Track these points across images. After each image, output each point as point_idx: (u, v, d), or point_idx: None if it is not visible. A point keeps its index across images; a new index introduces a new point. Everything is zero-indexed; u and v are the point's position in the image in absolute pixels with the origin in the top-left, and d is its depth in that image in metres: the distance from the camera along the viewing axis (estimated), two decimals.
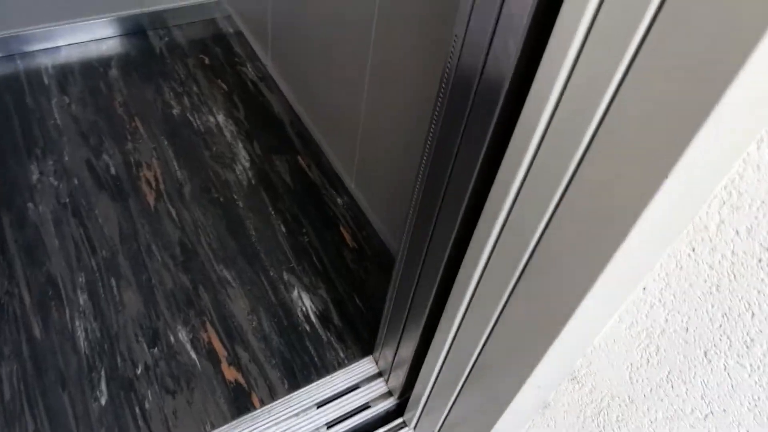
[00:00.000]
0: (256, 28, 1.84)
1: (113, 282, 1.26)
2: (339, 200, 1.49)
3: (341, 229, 1.43)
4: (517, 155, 0.55)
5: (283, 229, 1.41)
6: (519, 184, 0.57)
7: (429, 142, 0.72)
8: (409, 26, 1.00)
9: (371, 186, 1.38)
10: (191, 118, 1.65)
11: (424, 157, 0.74)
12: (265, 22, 1.71)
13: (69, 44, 1.82)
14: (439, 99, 0.65)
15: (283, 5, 1.55)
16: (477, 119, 0.59)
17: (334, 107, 1.43)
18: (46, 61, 1.76)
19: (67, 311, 1.20)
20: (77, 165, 1.48)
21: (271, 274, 1.31)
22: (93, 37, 1.84)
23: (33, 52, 1.77)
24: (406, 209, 1.22)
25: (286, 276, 1.31)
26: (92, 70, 1.75)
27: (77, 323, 1.18)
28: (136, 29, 1.90)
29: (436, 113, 0.67)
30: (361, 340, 1.23)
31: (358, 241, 1.41)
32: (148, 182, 1.47)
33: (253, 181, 1.51)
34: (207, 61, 1.85)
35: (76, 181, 1.45)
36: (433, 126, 0.69)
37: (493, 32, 0.52)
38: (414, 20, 0.98)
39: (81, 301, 1.22)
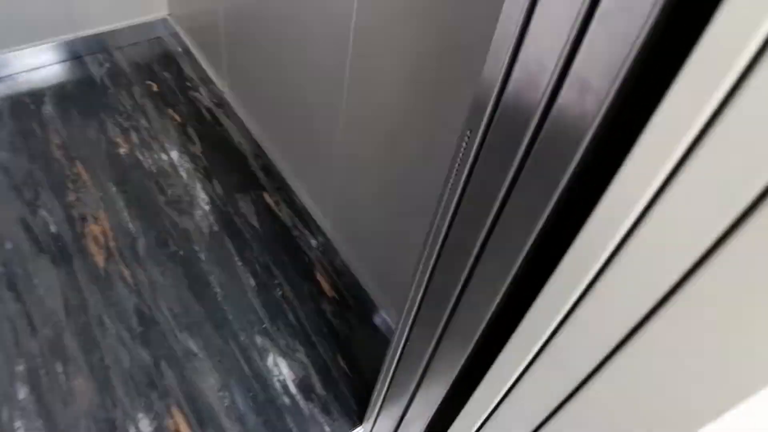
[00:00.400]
0: (207, 47, 1.68)
1: (59, 367, 1.11)
2: (313, 242, 1.35)
3: (318, 276, 1.29)
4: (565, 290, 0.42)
5: (253, 283, 1.26)
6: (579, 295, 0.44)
7: (437, 229, 0.58)
8: (394, 35, 0.86)
9: (350, 225, 1.24)
10: (141, 158, 1.49)
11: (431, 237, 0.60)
12: (218, 40, 1.55)
13: None
14: (446, 201, 0.52)
15: (237, 19, 1.39)
16: (507, 230, 0.46)
17: (303, 136, 1.29)
18: None
19: (5, 412, 1.05)
20: (10, 226, 1.31)
21: (242, 339, 1.17)
22: (21, 68, 1.66)
23: None
24: (392, 253, 1.09)
25: (259, 340, 1.17)
26: (23, 108, 1.57)
27: (17, 425, 1.03)
28: (71, 56, 1.71)
29: (444, 205, 0.54)
30: (349, 410, 1.10)
31: (337, 289, 1.27)
32: (96, 239, 1.31)
33: (215, 228, 1.36)
34: (155, 88, 1.68)
35: (9, 246, 1.28)
36: (441, 217, 0.56)
37: (530, 147, 0.38)
38: (397, 29, 0.84)
39: (21, 396, 1.06)
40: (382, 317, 1.19)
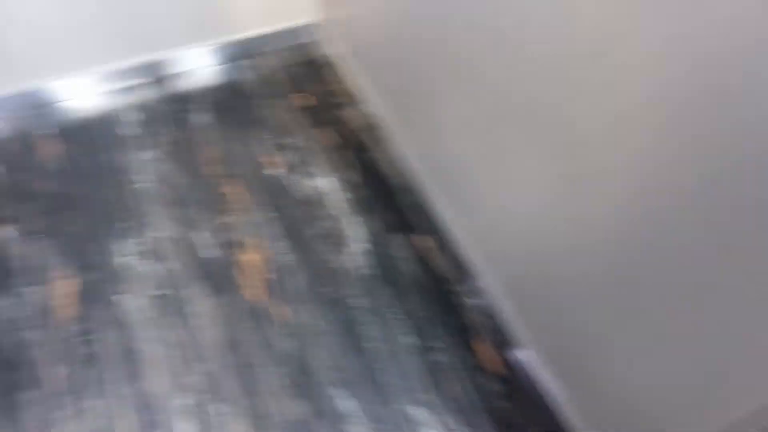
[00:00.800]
0: (364, 59, 1.65)
1: (218, 408, 1.15)
2: (474, 301, 1.32)
3: (479, 344, 1.26)
4: None
5: (409, 341, 1.25)
6: None
7: None
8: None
9: (519, 287, 1.19)
10: (293, 181, 1.50)
11: None
12: (376, 52, 1.52)
13: (149, 81, 1.68)
14: None
15: (401, 31, 1.33)
16: None
17: (470, 176, 1.23)
18: (125, 102, 1.63)
19: None
20: (168, 244, 1.37)
21: (400, 406, 1.17)
22: (175, 70, 1.70)
23: (109, 93, 1.65)
24: (577, 332, 0.99)
25: (417, 411, 1.16)
26: (178, 116, 1.62)
27: None
28: (223, 60, 1.74)
29: None
30: None
31: (502, 364, 1.24)
32: (251, 269, 1.34)
33: (370, 271, 1.35)
34: (306, 101, 1.68)
35: (169, 267, 1.33)
36: None
37: None
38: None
39: None
40: (559, 407, 1.15)
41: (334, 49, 1.80)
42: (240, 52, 1.76)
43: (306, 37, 1.83)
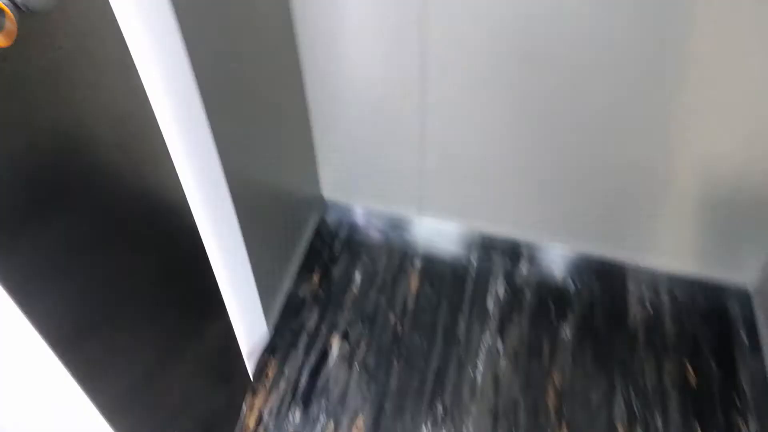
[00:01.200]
0: None
1: None
2: None
3: None
4: None
5: None
6: None
7: None
8: None
9: None
10: None
11: None
12: None
13: (534, 263, 1.58)
14: None
15: None
16: None
17: None
18: (498, 270, 1.56)
19: None
20: None
21: None
22: (552, 260, 1.57)
23: (488, 255, 1.60)
24: None
25: None
26: (542, 315, 1.47)
27: None
28: (611, 274, 1.55)
29: None
30: None
31: None
32: None
33: None
34: (690, 375, 1.37)
35: None
36: None
37: None
38: None
39: None
40: None
41: (761, 325, 1.46)
42: (637, 277, 1.55)
43: (725, 298, 1.53)
